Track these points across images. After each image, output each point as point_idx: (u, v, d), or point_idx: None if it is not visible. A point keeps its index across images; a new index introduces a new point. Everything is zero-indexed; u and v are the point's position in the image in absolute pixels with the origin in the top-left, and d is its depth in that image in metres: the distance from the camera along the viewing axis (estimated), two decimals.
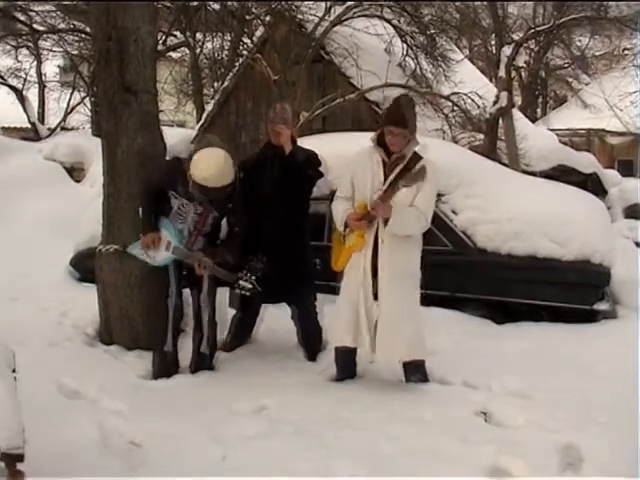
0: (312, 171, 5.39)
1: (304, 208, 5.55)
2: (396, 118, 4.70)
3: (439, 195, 6.52)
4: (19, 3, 15.48)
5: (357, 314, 4.77)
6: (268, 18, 14.15)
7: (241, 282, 5.08)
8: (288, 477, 3.57)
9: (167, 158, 5.73)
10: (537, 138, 15.66)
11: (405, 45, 14.58)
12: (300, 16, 13.88)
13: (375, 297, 4.76)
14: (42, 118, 20.84)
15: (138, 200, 5.36)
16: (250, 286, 5.07)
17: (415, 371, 4.90)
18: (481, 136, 13.65)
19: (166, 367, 5.19)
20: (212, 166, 4.76)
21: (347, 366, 5.04)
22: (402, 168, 4.70)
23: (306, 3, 13.82)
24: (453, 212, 6.57)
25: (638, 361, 4.78)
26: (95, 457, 3.76)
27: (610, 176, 15.73)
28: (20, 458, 2.92)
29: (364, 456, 3.83)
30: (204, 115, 15.31)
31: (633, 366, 4.75)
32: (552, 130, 19.69)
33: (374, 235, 4.74)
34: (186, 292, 5.34)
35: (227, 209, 5.07)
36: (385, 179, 4.73)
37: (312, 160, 5.42)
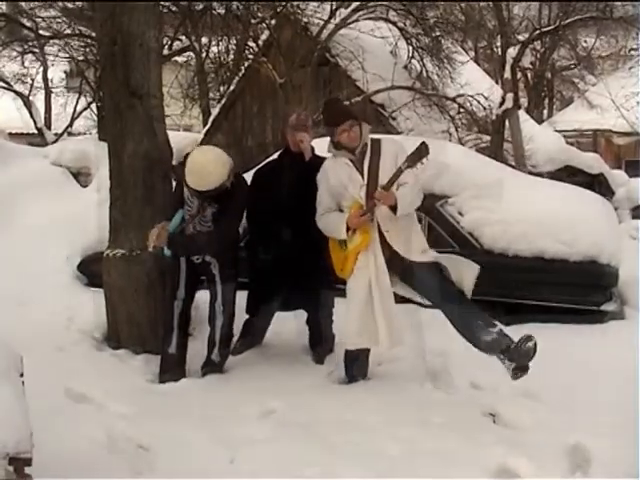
0: None
1: None
2: (341, 114, 4.81)
3: (446, 197, 6.57)
4: (24, 8, 15.50)
5: (372, 312, 4.71)
6: (273, 21, 14.16)
7: None
8: None
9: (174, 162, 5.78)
10: (543, 139, 15.64)
11: (410, 47, 14.60)
12: (305, 19, 13.90)
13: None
14: (48, 124, 20.89)
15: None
16: None
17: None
18: (487, 138, 13.65)
19: (170, 369, 5.18)
20: (198, 171, 4.81)
21: (359, 367, 5.02)
22: (371, 156, 4.76)
23: (311, 6, 13.84)
24: (459, 213, 6.56)
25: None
26: (102, 461, 3.76)
27: (617, 177, 15.63)
28: (28, 462, 2.94)
29: (372, 458, 3.83)
30: (210, 119, 15.32)
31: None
32: (558, 131, 19.64)
33: (377, 228, 4.72)
34: (197, 297, 5.38)
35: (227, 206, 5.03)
36: (362, 175, 4.75)
37: None
